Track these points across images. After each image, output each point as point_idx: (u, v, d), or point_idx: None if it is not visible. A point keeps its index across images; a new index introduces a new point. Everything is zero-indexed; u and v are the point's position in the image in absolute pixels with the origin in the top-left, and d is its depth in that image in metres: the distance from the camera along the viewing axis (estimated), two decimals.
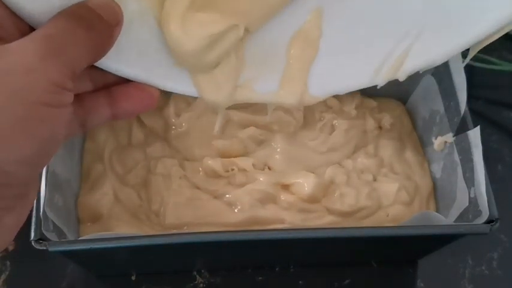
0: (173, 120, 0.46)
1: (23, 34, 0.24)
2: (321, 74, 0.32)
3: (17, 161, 0.22)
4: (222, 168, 0.44)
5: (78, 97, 0.26)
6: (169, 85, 0.31)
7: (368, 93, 0.50)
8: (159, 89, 0.30)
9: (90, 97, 0.29)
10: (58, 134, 0.24)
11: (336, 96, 0.49)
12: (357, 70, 0.31)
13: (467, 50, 0.29)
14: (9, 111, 0.22)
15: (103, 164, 0.44)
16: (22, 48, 0.23)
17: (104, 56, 0.26)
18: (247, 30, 0.30)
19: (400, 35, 0.30)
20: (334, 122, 0.47)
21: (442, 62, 0.29)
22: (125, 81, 0.29)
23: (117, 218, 0.42)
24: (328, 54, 0.32)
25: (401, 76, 0.30)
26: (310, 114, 0.48)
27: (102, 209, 0.42)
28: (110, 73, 0.28)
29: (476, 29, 0.28)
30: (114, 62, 0.28)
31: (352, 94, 0.50)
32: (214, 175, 0.44)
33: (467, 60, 0.31)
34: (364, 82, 0.31)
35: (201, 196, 0.43)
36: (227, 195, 0.43)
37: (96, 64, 0.28)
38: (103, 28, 0.25)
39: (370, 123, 0.48)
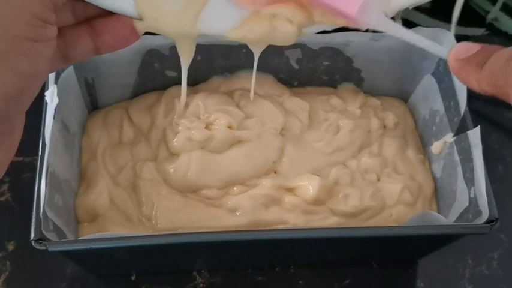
0: (157, 121, 0.45)
1: None
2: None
3: None
4: (219, 191, 0.43)
5: (60, 30, 0.25)
6: None
7: (370, 92, 0.50)
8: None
9: (71, 30, 0.28)
10: (41, 70, 0.24)
11: (339, 96, 0.49)
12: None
13: None
14: None
15: (97, 162, 0.44)
16: None
17: None
18: None
19: None
20: (339, 123, 0.47)
21: None
22: (107, 14, 0.28)
23: (112, 220, 0.41)
24: None
25: (391, 12, 0.30)
26: (314, 114, 0.47)
27: (99, 209, 0.42)
28: (91, 5, 0.28)
29: None
30: None
31: (355, 93, 0.49)
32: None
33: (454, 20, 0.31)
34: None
35: (196, 203, 0.42)
36: (229, 202, 0.42)
37: None
38: None
39: (375, 123, 0.48)
